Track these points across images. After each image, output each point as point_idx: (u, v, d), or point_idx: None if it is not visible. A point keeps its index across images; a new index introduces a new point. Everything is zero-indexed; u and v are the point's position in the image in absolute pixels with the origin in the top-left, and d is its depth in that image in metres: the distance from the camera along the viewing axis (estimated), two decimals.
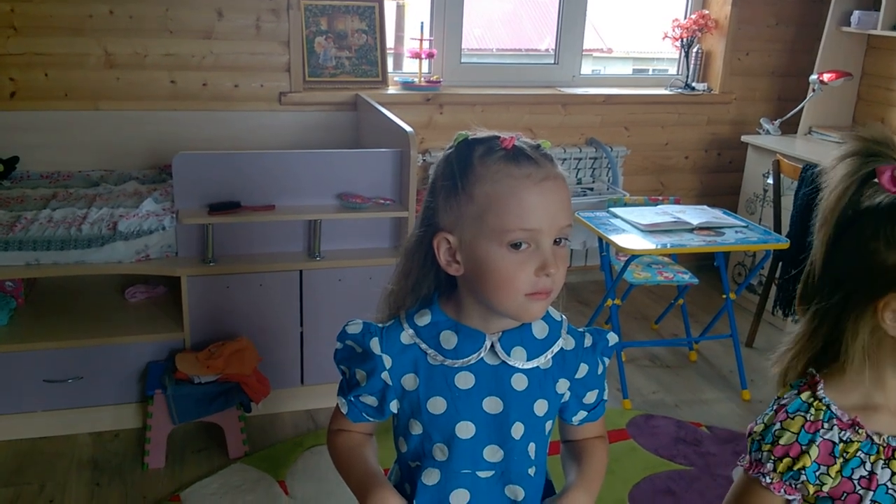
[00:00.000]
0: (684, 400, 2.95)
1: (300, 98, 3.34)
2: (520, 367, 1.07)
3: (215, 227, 2.51)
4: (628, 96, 3.87)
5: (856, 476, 0.98)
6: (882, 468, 0.98)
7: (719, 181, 4.17)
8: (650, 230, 2.80)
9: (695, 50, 3.99)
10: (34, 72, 3.02)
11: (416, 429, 1.09)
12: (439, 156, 1.10)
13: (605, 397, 1.18)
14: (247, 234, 2.58)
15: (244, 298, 2.57)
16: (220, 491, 2.28)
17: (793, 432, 0.99)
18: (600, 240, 2.89)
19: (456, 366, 1.06)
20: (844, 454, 0.98)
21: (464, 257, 1.04)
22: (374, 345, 1.08)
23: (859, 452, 0.98)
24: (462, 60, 3.73)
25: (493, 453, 1.08)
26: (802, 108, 3.75)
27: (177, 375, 2.39)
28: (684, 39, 3.97)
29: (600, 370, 1.14)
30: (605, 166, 3.82)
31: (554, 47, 3.93)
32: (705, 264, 3.85)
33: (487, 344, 1.07)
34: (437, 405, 1.07)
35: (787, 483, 1.00)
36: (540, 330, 1.10)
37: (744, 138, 3.79)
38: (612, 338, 1.15)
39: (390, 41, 3.66)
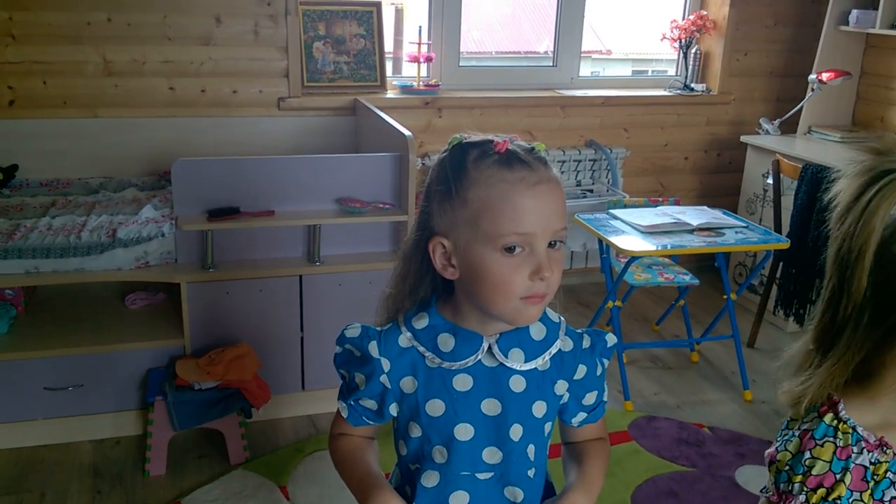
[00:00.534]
0: (686, 401, 2.94)
1: (299, 103, 3.34)
2: (518, 368, 1.08)
3: (215, 233, 2.51)
4: (627, 98, 3.87)
5: (887, 498, 0.96)
6: None
7: (719, 182, 4.16)
8: (650, 231, 2.80)
9: (693, 51, 3.99)
10: (33, 80, 3.03)
11: (416, 431, 1.09)
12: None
13: (605, 398, 1.18)
14: (246, 239, 2.58)
15: (244, 304, 2.56)
16: (221, 497, 2.28)
17: (825, 461, 0.95)
18: (600, 242, 2.89)
19: (454, 368, 1.07)
20: (875, 477, 0.95)
21: (459, 261, 1.04)
22: (373, 348, 1.08)
23: (889, 473, 0.96)
24: (460, 64, 3.73)
25: (491, 455, 1.08)
26: (801, 107, 3.75)
27: (177, 382, 2.39)
28: (683, 40, 3.97)
29: (599, 371, 1.14)
30: (604, 168, 3.82)
31: (552, 49, 3.93)
32: (706, 265, 3.84)
33: (485, 346, 1.07)
34: (435, 408, 1.07)
35: None
36: (538, 331, 1.10)
37: (743, 138, 3.79)
38: (611, 339, 1.15)
39: (389, 45, 3.67)
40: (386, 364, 1.08)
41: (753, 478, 2.46)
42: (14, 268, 2.39)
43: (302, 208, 2.62)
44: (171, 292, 2.68)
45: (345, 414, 1.13)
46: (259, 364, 2.51)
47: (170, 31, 3.13)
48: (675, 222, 2.86)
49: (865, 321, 0.95)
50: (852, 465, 0.95)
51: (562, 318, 1.14)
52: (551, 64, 3.92)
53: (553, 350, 1.10)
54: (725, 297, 2.99)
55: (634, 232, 2.81)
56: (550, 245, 1.02)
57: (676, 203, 3.20)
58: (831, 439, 0.96)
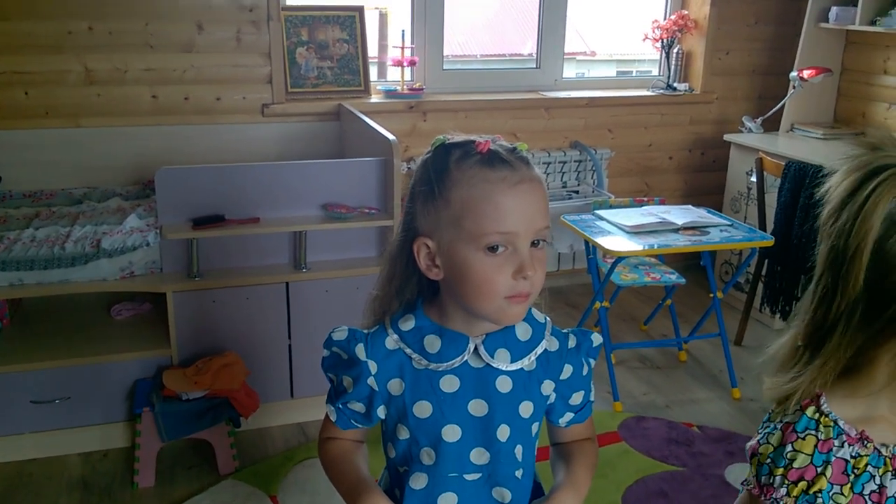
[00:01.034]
0: (675, 400, 2.95)
1: (283, 109, 3.33)
2: (504, 368, 1.08)
3: (200, 241, 2.50)
4: (611, 98, 3.88)
5: (866, 491, 0.96)
6: (891, 480, 0.96)
7: (703, 180, 4.18)
8: (636, 231, 2.81)
9: (675, 50, 4.01)
10: (14, 90, 3.00)
11: (403, 434, 1.09)
12: None
13: (592, 398, 1.18)
14: (232, 247, 2.57)
15: (231, 312, 2.55)
16: None
17: (806, 454, 0.95)
18: (587, 243, 2.90)
19: (440, 369, 1.07)
20: (855, 470, 0.95)
21: (443, 261, 1.04)
22: (360, 351, 1.08)
23: (868, 467, 0.96)
24: (444, 67, 3.73)
25: (479, 456, 1.08)
26: (783, 105, 3.77)
27: (164, 392, 2.38)
28: (664, 40, 3.99)
29: (585, 371, 1.15)
30: (589, 169, 3.83)
31: (536, 52, 3.93)
32: (692, 264, 3.86)
33: (471, 347, 1.08)
34: (422, 409, 1.07)
35: None
36: (523, 332, 1.11)
37: (726, 137, 3.81)
38: (597, 338, 1.16)
39: (374, 50, 3.67)
40: (373, 366, 1.08)
41: (743, 476, 2.45)
42: None
43: (287, 215, 2.61)
44: (157, 302, 2.66)
45: (333, 417, 1.13)
46: (247, 372, 2.50)
47: (152, 39, 3.12)
48: (660, 222, 2.87)
49: (857, 318, 0.94)
50: (833, 459, 0.95)
51: (547, 319, 1.15)
52: (535, 66, 3.93)
53: (539, 350, 1.11)
54: (712, 295, 3.00)
55: (620, 232, 2.82)
56: (534, 244, 1.02)
57: (661, 203, 3.21)
58: (813, 432, 0.96)
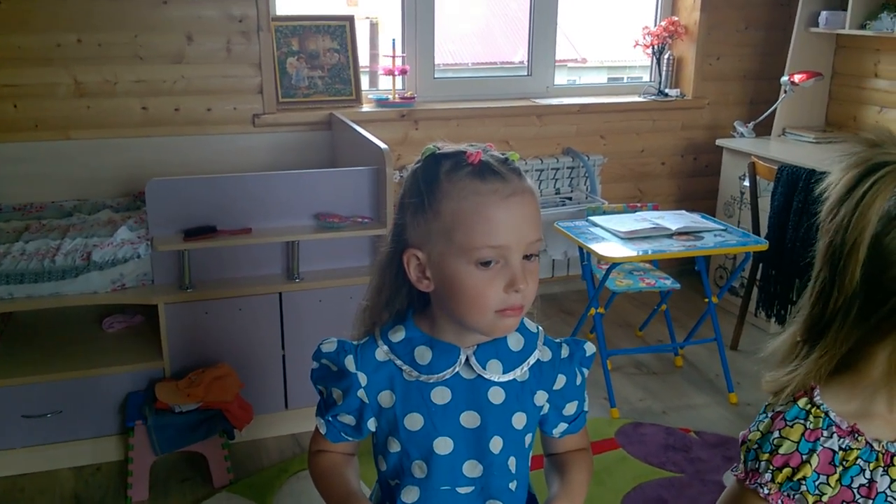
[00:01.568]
0: (672, 406, 2.94)
1: (274, 119, 3.32)
2: (496, 380, 1.06)
3: (191, 252, 2.49)
4: (603, 105, 3.88)
5: (855, 484, 0.96)
6: (881, 475, 0.95)
7: (696, 185, 4.18)
8: (630, 237, 2.80)
9: (666, 56, 4.02)
10: (3, 103, 2.99)
11: (395, 446, 1.07)
12: None
13: (586, 408, 1.16)
14: (224, 258, 2.56)
15: (224, 324, 2.53)
16: None
17: (792, 441, 0.96)
18: (581, 249, 2.89)
19: (431, 381, 1.05)
20: (844, 462, 0.95)
21: (433, 274, 1.03)
22: (349, 363, 1.07)
23: (858, 460, 0.95)
24: (436, 75, 3.73)
25: (472, 468, 1.07)
26: (775, 109, 3.78)
27: (157, 405, 2.36)
28: (655, 46, 4.00)
29: (579, 381, 1.13)
30: (582, 175, 3.82)
31: (527, 59, 3.94)
32: (686, 269, 3.85)
33: (462, 358, 1.06)
34: (414, 422, 1.06)
35: (786, 494, 0.96)
36: (515, 342, 1.09)
37: (719, 142, 3.81)
38: (590, 348, 1.14)
39: (364, 59, 3.66)
40: (363, 378, 1.06)
41: None
42: None
43: (280, 225, 2.60)
44: (149, 314, 2.64)
45: (323, 430, 1.11)
46: (240, 384, 2.48)
47: (141, 51, 3.11)
48: (654, 227, 2.87)
49: (854, 314, 0.94)
50: (820, 448, 0.95)
51: (539, 328, 1.13)
52: (526, 73, 3.93)
53: (531, 360, 1.09)
54: (707, 300, 2.99)
55: (614, 238, 2.81)
56: (526, 257, 1.01)
57: (655, 208, 3.20)
58: (801, 422, 0.97)
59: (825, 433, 0.96)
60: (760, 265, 3.28)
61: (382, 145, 2.63)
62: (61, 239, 2.53)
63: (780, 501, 0.97)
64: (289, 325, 2.60)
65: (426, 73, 3.69)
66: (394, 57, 3.50)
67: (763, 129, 3.85)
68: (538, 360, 1.10)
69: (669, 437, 2.72)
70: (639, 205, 3.22)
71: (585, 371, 1.15)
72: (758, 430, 1.00)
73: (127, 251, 2.46)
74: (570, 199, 3.79)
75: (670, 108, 4.00)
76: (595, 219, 2.99)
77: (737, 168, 3.67)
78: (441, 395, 1.05)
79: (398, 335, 1.08)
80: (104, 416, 2.49)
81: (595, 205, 3.24)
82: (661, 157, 4.09)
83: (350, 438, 1.12)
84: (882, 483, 0.95)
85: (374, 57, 3.86)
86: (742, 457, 1.01)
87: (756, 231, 3.27)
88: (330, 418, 1.10)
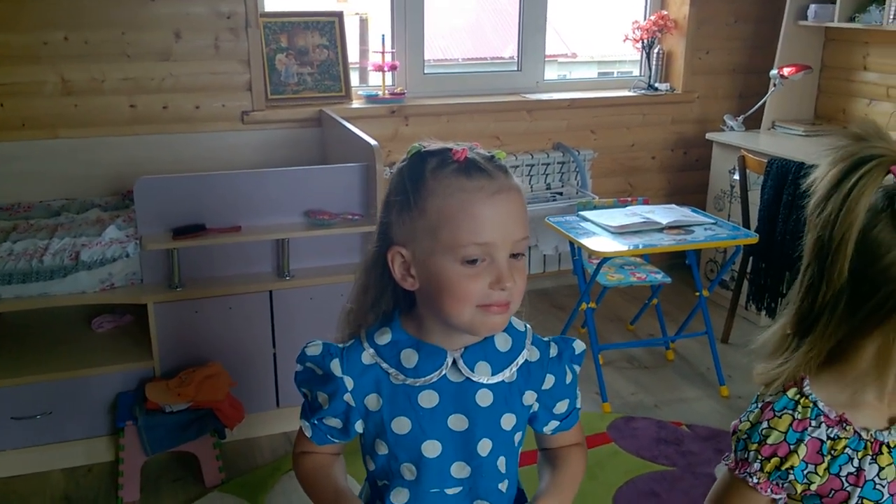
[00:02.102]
0: (663, 400, 2.95)
1: (263, 116, 3.31)
2: (484, 382, 1.05)
3: (181, 251, 2.47)
4: (592, 99, 3.88)
5: (843, 473, 0.97)
6: (870, 464, 0.97)
7: (687, 180, 4.19)
8: (620, 232, 2.80)
9: (656, 51, 4.02)
10: None
11: (382, 449, 1.06)
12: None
13: (578, 405, 1.16)
14: (213, 256, 2.55)
15: (214, 323, 2.52)
16: None
17: (780, 431, 0.98)
18: (572, 244, 2.89)
19: (418, 384, 1.04)
20: (832, 451, 0.97)
21: (418, 272, 1.02)
22: (335, 366, 1.06)
23: (847, 449, 0.97)
24: (426, 71, 3.72)
25: (460, 470, 1.06)
26: (764, 103, 3.79)
27: (147, 405, 2.34)
28: (645, 41, 4.00)
29: (569, 379, 1.12)
30: (573, 170, 3.82)
31: (517, 54, 3.93)
32: (677, 263, 3.85)
33: (449, 361, 1.05)
34: (401, 425, 1.05)
35: (775, 482, 0.98)
36: (503, 342, 1.08)
37: (708, 136, 3.81)
38: (579, 345, 1.14)
39: (354, 55, 3.65)
40: (349, 382, 1.05)
41: None
42: None
43: (269, 222, 2.59)
44: (139, 314, 2.63)
45: (308, 433, 1.10)
46: (232, 383, 2.47)
47: (128, 48, 3.09)
48: (644, 221, 2.87)
49: (842, 307, 0.95)
50: (808, 438, 0.97)
51: (528, 327, 1.12)
52: (516, 68, 3.93)
53: (520, 361, 1.08)
54: (698, 293, 3.00)
55: (605, 233, 2.81)
56: (513, 256, 1.00)
57: (645, 202, 3.21)
58: (790, 412, 0.98)
59: (813, 423, 0.97)
60: (751, 258, 3.29)
61: (372, 142, 2.62)
62: (49, 239, 2.51)
63: (769, 490, 0.99)
64: (280, 324, 2.60)
65: (416, 68, 3.68)
66: (383, 53, 3.49)
67: (753, 123, 3.85)
68: (526, 360, 1.09)
69: (661, 430, 2.72)
70: (629, 199, 3.22)
71: (577, 368, 1.14)
72: (748, 420, 1.01)
73: (115, 250, 2.45)
74: (560, 194, 3.79)
75: (660, 103, 4.00)
76: (586, 213, 3.00)
77: (727, 162, 3.68)
78: (428, 399, 1.04)
79: (384, 338, 1.06)
80: (94, 416, 2.48)
81: (585, 200, 3.24)
82: (651, 152, 4.10)
83: (336, 441, 1.11)
84: (870, 471, 0.96)
85: (363, 53, 3.84)
86: (733, 446, 1.03)
87: (746, 224, 3.28)
88: (315, 421, 1.09)
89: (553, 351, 1.11)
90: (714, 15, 3.97)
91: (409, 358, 1.05)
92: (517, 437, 1.10)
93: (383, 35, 3.51)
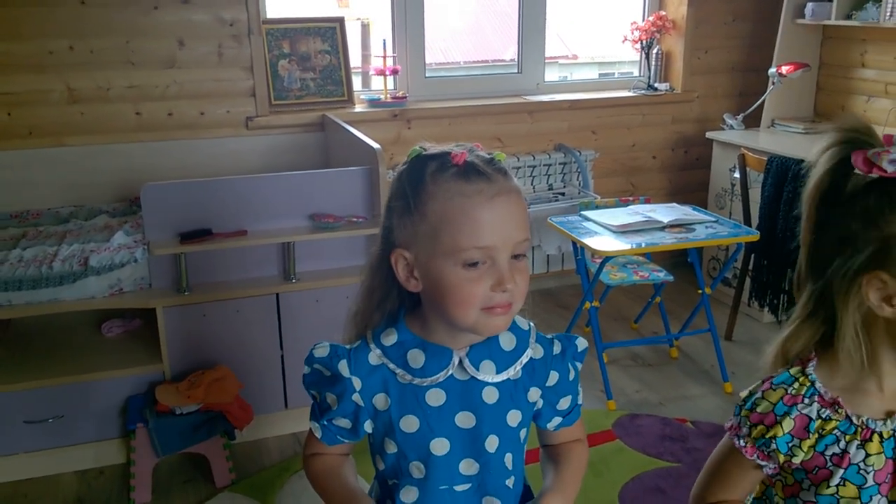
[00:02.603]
0: (668, 397, 2.97)
1: (267, 122, 3.34)
2: (490, 380, 1.07)
3: (188, 255, 2.51)
4: (593, 100, 3.91)
5: (828, 452, 1.01)
6: (857, 449, 1.00)
7: (687, 178, 4.21)
8: (623, 231, 2.83)
9: (655, 51, 4.04)
10: None
11: (391, 448, 1.08)
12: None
13: (581, 402, 1.17)
14: (220, 260, 2.58)
15: (222, 326, 2.55)
16: None
17: (770, 402, 1.03)
18: (574, 243, 2.91)
19: (425, 384, 1.06)
20: (820, 431, 1.00)
21: (421, 274, 1.03)
22: (343, 367, 1.07)
23: (836, 431, 1.00)
24: (427, 75, 3.75)
25: (468, 467, 1.08)
26: (763, 101, 3.81)
27: (158, 408, 2.37)
28: (644, 41, 4.02)
29: (572, 376, 1.14)
30: (574, 171, 3.85)
31: (517, 57, 3.96)
32: (679, 261, 3.88)
33: (455, 360, 1.06)
34: (410, 424, 1.06)
35: (759, 449, 1.03)
36: (507, 341, 1.09)
37: (708, 135, 3.84)
38: (582, 343, 1.15)
39: (356, 60, 3.68)
40: (357, 383, 1.07)
41: None
42: None
43: (275, 226, 2.62)
44: (147, 318, 2.66)
45: (318, 434, 1.11)
46: (240, 385, 2.50)
47: (133, 56, 3.13)
48: (646, 220, 2.90)
49: (816, 277, 1.03)
50: (796, 413, 1.01)
51: (531, 325, 1.13)
52: (517, 71, 3.96)
53: (524, 359, 1.09)
54: (700, 291, 3.02)
55: (607, 232, 2.84)
56: (514, 257, 1.01)
57: (647, 202, 3.23)
58: (785, 386, 1.03)
59: (806, 400, 1.02)
60: (752, 255, 3.31)
61: (375, 145, 2.65)
62: (58, 245, 2.55)
63: (755, 455, 1.05)
64: (286, 326, 2.62)
65: (417, 72, 3.71)
66: (385, 57, 3.52)
67: (752, 121, 3.88)
68: (531, 357, 1.10)
69: (666, 427, 2.75)
70: (631, 199, 3.24)
71: (578, 365, 1.15)
72: (749, 389, 1.07)
73: (124, 256, 2.48)
74: (562, 194, 3.82)
75: (660, 103, 4.03)
76: (588, 213, 3.02)
77: (727, 160, 3.70)
78: (436, 398, 1.06)
79: (390, 338, 1.08)
80: (105, 419, 2.51)
81: (587, 200, 3.27)
82: (651, 151, 4.12)
83: (346, 440, 1.12)
84: (856, 456, 0.99)
85: (365, 58, 3.88)
86: (735, 411, 1.09)
87: (747, 222, 3.30)
88: (325, 422, 1.10)
89: (556, 348, 1.13)
90: (712, 14, 4.00)
91: (416, 358, 1.06)
92: (522, 433, 1.12)
93: (384, 39, 3.55)
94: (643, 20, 4.06)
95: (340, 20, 3.51)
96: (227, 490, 2.41)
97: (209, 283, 2.57)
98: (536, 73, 3.95)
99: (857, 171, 0.98)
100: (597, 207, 3.13)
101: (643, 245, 2.76)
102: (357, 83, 3.65)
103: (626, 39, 4.05)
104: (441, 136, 1.07)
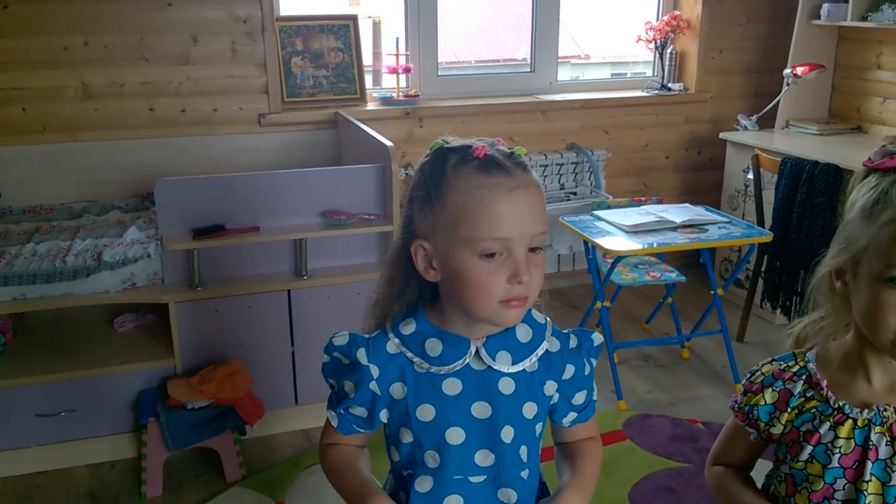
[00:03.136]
0: (679, 398, 2.96)
1: (280, 119, 3.35)
2: (506, 371, 1.08)
3: (201, 251, 2.51)
4: (606, 100, 3.90)
5: (803, 428, 1.07)
6: (828, 429, 1.04)
7: (701, 179, 4.20)
8: (635, 231, 2.82)
9: (669, 51, 4.03)
10: (11, 107, 3.02)
11: (407, 437, 1.09)
12: None
13: (595, 397, 1.18)
14: (233, 256, 2.58)
15: (233, 321, 2.56)
16: None
17: (763, 374, 1.13)
18: (586, 243, 2.91)
19: (442, 373, 1.07)
20: (801, 407, 1.08)
21: (439, 264, 1.05)
22: (361, 355, 1.08)
23: (814, 409, 1.07)
24: (439, 73, 3.75)
25: (484, 458, 1.09)
26: (778, 102, 3.79)
27: (169, 402, 2.38)
28: (658, 41, 4.01)
29: (587, 370, 1.15)
30: (587, 170, 3.84)
31: (530, 56, 3.95)
32: (691, 262, 3.86)
33: (472, 350, 1.08)
34: (426, 413, 1.07)
35: (747, 415, 1.14)
36: (524, 333, 1.11)
37: (722, 135, 3.82)
38: (597, 338, 1.16)
39: (368, 58, 3.69)
40: (375, 371, 1.08)
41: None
42: (1, 295, 2.38)
43: (287, 223, 2.62)
44: (160, 313, 2.67)
45: (335, 423, 1.13)
46: (251, 380, 2.50)
47: (147, 53, 3.14)
48: (658, 220, 2.89)
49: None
50: (780, 387, 1.11)
51: (548, 319, 1.15)
52: (529, 70, 3.95)
53: (540, 351, 1.11)
54: (712, 292, 3.01)
55: (619, 232, 2.83)
56: (531, 250, 1.03)
57: (659, 202, 3.22)
58: (782, 363, 1.13)
59: (794, 377, 1.10)
60: (765, 257, 3.29)
61: (388, 143, 2.65)
62: (71, 240, 2.56)
63: (744, 420, 1.15)
64: (298, 322, 2.63)
65: (430, 70, 3.71)
66: (397, 55, 3.53)
67: (766, 122, 3.86)
68: (547, 350, 1.11)
69: (677, 427, 2.74)
70: (643, 199, 3.23)
71: (594, 360, 1.16)
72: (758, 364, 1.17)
73: (137, 251, 2.49)
74: (574, 194, 3.81)
75: (674, 103, 4.01)
76: (600, 213, 3.01)
77: (741, 161, 3.68)
78: (452, 387, 1.07)
79: (409, 328, 1.09)
80: (117, 413, 2.52)
81: (599, 199, 3.26)
82: (665, 151, 4.11)
83: (362, 430, 1.13)
84: (826, 436, 1.05)
85: (377, 55, 3.88)
86: None
87: (760, 223, 3.29)
88: (342, 411, 1.11)
89: (573, 342, 1.14)
90: (726, 15, 3.98)
91: (434, 347, 1.08)
92: (538, 427, 1.12)
93: (397, 38, 3.55)
94: (657, 20, 4.05)
95: (354, 18, 3.52)
96: (237, 485, 2.41)
97: (221, 279, 2.58)
98: (549, 73, 3.94)
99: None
100: (609, 207, 3.12)
101: (655, 245, 2.75)
102: (368, 81, 3.65)
103: (639, 39, 4.03)
104: (454, 135, 1.07)
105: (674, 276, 3.05)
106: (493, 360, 1.08)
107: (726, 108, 4.12)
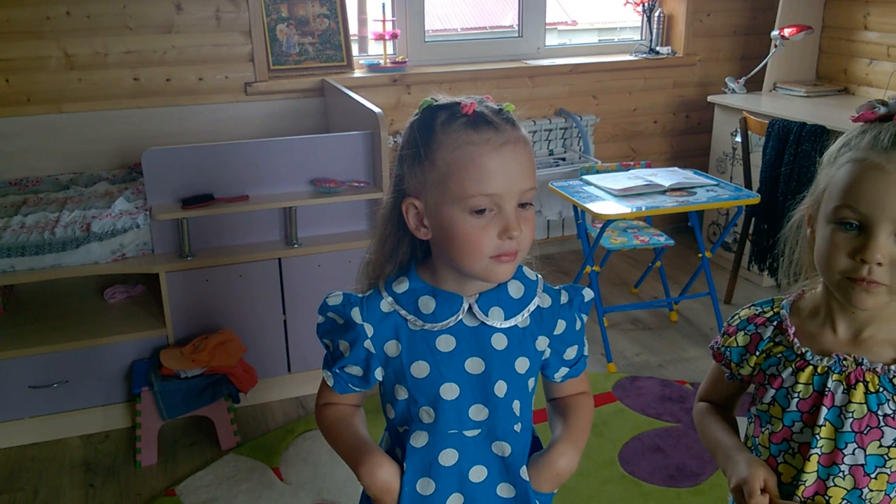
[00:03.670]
0: (668, 359, 2.99)
1: (266, 87, 3.32)
2: (498, 326, 1.09)
3: (190, 221, 2.51)
4: (594, 64, 3.89)
5: (768, 372, 1.11)
6: (789, 374, 1.08)
7: (689, 143, 4.20)
8: (623, 195, 2.83)
9: (657, 14, 4.01)
10: None
11: (402, 394, 1.10)
12: None
13: (586, 353, 1.20)
14: (222, 226, 2.58)
15: (224, 290, 2.57)
16: (214, 482, 2.30)
17: (740, 318, 1.17)
18: (575, 208, 2.92)
19: (436, 329, 1.08)
20: (768, 351, 1.12)
21: (430, 222, 1.06)
22: (356, 314, 1.09)
23: (780, 354, 1.10)
24: (426, 39, 3.72)
25: (478, 412, 1.10)
26: (766, 64, 3.79)
27: (163, 371, 2.39)
28: (645, 4, 3.99)
29: (578, 326, 1.17)
30: (575, 136, 3.84)
31: (517, 22, 3.93)
32: (680, 226, 3.89)
33: (465, 306, 1.09)
34: (420, 369, 1.08)
35: (722, 354, 1.18)
36: (516, 289, 1.12)
37: (710, 98, 3.82)
38: (588, 293, 1.18)
39: (354, 25, 3.65)
40: (369, 329, 1.09)
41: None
42: None
43: (276, 191, 2.62)
44: (151, 283, 2.68)
45: (330, 382, 1.14)
46: (244, 349, 2.52)
47: (130, 21, 3.10)
48: (647, 184, 2.89)
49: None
50: (752, 330, 1.14)
51: (539, 276, 1.16)
52: (517, 35, 3.93)
53: (532, 307, 1.12)
54: (700, 255, 3.03)
55: (608, 196, 2.84)
56: (521, 206, 1.03)
57: (648, 166, 3.23)
58: (758, 308, 1.16)
59: (767, 323, 1.14)
60: (753, 219, 3.32)
61: (376, 109, 2.64)
62: (59, 212, 2.55)
63: (721, 361, 1.19)
64: (289, 290, 2.64)
65: (417, 36, 3.68)
66: (384, 21, 3.49)
67: (754, 85, 3.86)
68: (538, 306, 1.13)
69: (665, 388, 2.77)
70: (632, 163, 3.24)
71: (584, 316, 1.18)
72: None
73: (126, 221, 2.48)
74: (563, 159, 3.81)
75: (661, 66, 4.00)
76: (589, 178, 3.02)
77: (728, 124, 3.69)
78: (446, 343, 1.08)
79: (402, 286, 1.10)
80: (111, 384, 2.53)
81: (588, 164, 3.26)
82: (653, 116, 4.11)
83: (357, 389, 1.14)
84: (787, 380, 1.08)
85: (361, 22, 3.84)
86: None
87: (748, 186, 3.30)
88: (337, 370, 1.12)
89: (564, 298, 1.16)
90: None
91: (427, 304, 1.09)
92: (531, 382, 1.14)
93: (384, 3, 3.51)
94: None
95: None
96: (231, 452, 2.44)
97: (212, 249, 2.58)
98: (537, 38, 3.92)
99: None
100: (598, 172, 3.13)
101: (644, 209, 2.76)
102: (354, 48, 3.62)
103: (627, 2, 4.01)
104: (442, 93, 1.08)
105: (662, 239, 3.07)
106: (486, 315, 1.09)
107: (714, 71, 4.11)
